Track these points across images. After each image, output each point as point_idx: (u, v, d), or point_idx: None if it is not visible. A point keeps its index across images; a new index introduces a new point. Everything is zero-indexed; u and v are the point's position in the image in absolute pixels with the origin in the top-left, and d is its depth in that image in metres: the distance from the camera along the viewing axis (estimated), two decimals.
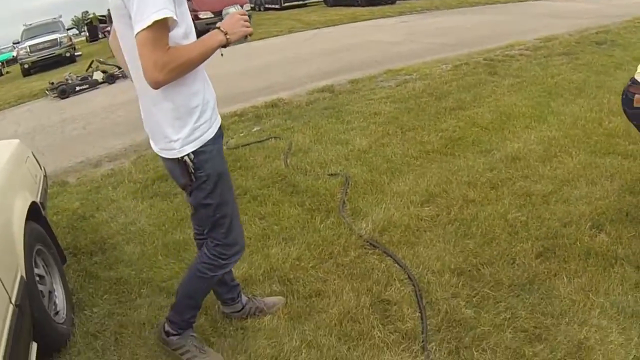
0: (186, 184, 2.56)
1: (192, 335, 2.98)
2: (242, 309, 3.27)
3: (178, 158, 2.45)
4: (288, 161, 5.35)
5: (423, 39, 12.05)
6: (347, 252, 3.84)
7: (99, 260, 4.23)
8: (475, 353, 2.90)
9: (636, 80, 3.69)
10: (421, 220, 4.21)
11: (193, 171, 2.48)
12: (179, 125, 2.40)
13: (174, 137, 2.41)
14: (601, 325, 3.06)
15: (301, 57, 10.91)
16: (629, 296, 3.31)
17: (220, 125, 2.65)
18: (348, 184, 4.76)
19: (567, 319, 3.13)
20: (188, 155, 2.44)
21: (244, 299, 3.29)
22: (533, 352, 2.90)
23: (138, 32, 2.06)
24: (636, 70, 3.76)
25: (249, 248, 3.85)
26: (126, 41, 2.31)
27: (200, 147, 2.46)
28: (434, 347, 2.98)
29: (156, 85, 2.15)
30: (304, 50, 11.60)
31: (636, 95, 3.67)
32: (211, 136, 2.51)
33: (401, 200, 4.48)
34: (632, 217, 4.12)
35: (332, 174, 5.01)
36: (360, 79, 8.65)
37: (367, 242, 3.94)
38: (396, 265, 3.68)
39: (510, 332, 3.05)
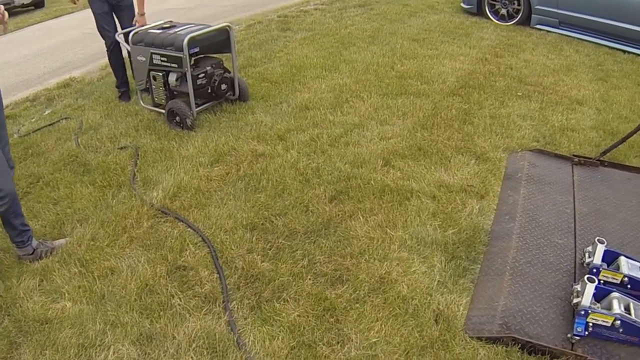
0: None
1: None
2: (34, 252, 3.50)
3: None
4: (79, 140, 5.07)
5: (217, 2, 11.90)
6: (140, 224, 3.75)
7: None
8: (277, 305, 2.95)
9: None
10: (211, 180, 4.20)
11: None
12: None
13: None
14: (402, 258, 3.23)
15: (97, 32, 10.38)
16: (428, 226, 3.50)
17: None
18: (137, 155, 4.65)
19: (366, 257, 3.27)
20: None
21: (35, 242, 3.52)
22: (336, 294, 2.99)
23: None
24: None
25: (44, 237, 3.70)
26: None
27: None
28: (236, 306, 2.99)
29: None
30: None
31: None
32: None
33: (190, 164, 4.44)
34: (425, 151, 4.34)
35: (121, 147, 4.85)
36: None
37: (159, 210, 3.88)
38: (189, 229, 3.65)
39: (310, 279, 3.13)
